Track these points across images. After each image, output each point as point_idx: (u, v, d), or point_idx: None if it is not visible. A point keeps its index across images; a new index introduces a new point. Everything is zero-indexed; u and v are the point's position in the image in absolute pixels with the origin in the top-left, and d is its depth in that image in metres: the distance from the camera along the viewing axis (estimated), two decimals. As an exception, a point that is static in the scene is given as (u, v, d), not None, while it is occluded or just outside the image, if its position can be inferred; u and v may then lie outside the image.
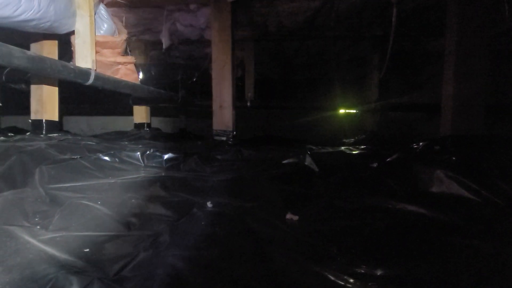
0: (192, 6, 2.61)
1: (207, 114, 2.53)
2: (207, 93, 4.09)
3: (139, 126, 4.12)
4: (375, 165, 1.69)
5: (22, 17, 1.30)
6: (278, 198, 1.21)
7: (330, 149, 2.01)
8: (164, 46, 2.88)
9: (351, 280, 0.63)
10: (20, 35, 1.69)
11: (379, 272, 0.66)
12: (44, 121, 2.00)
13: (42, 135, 1.95)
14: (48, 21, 1.49)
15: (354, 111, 4.78)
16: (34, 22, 1.42)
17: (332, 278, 0.64)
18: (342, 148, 2.28)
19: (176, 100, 3.44)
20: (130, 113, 4.20)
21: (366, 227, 0.94)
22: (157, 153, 1.86)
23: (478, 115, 1.94)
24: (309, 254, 0.76)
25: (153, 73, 3.44)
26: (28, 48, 1.83)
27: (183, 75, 3.76)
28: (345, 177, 1.63)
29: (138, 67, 2.89)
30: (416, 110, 3.33)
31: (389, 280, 0.64)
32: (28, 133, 2.05)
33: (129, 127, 4.18)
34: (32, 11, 1.32)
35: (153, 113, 4.68)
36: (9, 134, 2.36)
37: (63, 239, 0.79)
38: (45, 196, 1.11)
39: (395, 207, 1.08)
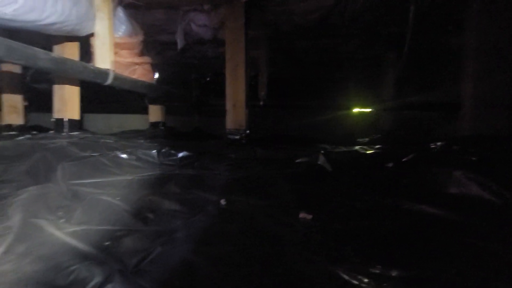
0: (206, 7, 2.64)
1: (221, 113, 2.56)
2: (221, 92, 4.14)
3: (154, 125, 4.22)
4: (390, 165, 1.66)
5: (47, 21, 1.37)
6: (291, 197, 1.21)
7: (344, 149, 1.99)
8: (179, 46, 2.93)
9: (366, 280, 0.62)
10: (43, 38, 1.77)
11: (394, 273, 0.66)
12: (66, 120, 2.09)
13: (64, 133, 2.04)
14: (70, 24, 1.55)
15: (369, 110, 4.70)
16: (57, 25, 1.49)
17: (347, 277, 0.64)
18: (356, 147, 2.25)
19: (190, 99, 3.50)
20: (145, 112, 4.30)
21: (381, 227, 0.93)
22: (172, 151, 1.90)
23: (501, 115, 1.86)
24: (323, 253, 0.76)
25: (168, 73, 3.51)
26: (51, 50, 1.92)
27: (197, 75, 3.82)
28: (359, 177, 1.61)
29: (153, 67, 2.96)
30: (434, 110, 3.23)
31: (405, 281, 0.63)
32: (51, 131, 2.15)
33: (145, 126, 4.29)
34: (55, 15, 1.39)
35: (168, 112, 4.78)
36: (33, 132, 2.48)
37: (84, 232, 0.83)
38: (67, 191, 1.16)
39: (411, 208, 1.06)
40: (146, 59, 2.45)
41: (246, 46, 2.36)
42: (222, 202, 1.15)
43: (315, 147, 1.92)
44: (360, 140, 3.12)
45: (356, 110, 5.01)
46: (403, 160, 1.61)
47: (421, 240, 0.84)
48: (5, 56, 1.14)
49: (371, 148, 2.09)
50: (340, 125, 5.44)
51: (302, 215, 1.05)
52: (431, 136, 2.72)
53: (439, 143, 1.84)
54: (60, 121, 2.09)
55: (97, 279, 0.58)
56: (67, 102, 2.09)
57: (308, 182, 1.38)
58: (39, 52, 1.32)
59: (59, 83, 2.10)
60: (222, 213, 1.03)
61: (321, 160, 1.76)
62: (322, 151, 1.79)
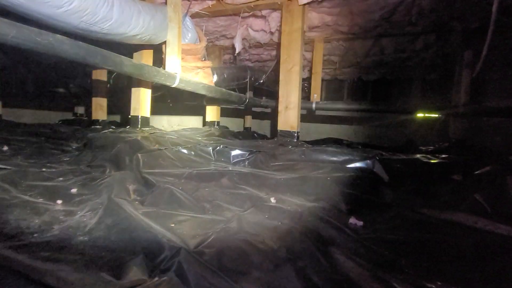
0: (263, 12, 2.74)
1: (271, 114, 2.62)
2: (272, 94, 4.21)
3: (209, 124, 4.51)
4: (459, 177, 1.50)
5: (132, 33, 1.61)
6: (342, 201, 1.19)
7: (403, 156, 1.85)
8: (237, 51, 3.09)
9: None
10: (124, 47, 2.07)
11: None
12: (139, 117, 2.40)
13: (137, 129, 2.35)
14: (148, 35, 1.80)
15: (436, 115, 4.22)
16: (138, 36, 1.73)
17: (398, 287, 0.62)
18: (418, 155, 2.06)
19: (244, 100, 3.65)
20: (200, 113, 4.63)
21: (442, 243, 0.86)
22: (226, 149, 2.03)
23: None
24: (375, 261, 0.74)
25: (225, 76, 3.73)
26: (131, 57, 2.24)
27: (251, 77, 3.97)
28: (419, 188, 1.48)
29: (212, 70, 3.18)
30: (520, 116, 2.73)
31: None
32: (127, 127, 2.50)
33: (200, 125, 4.62)
34: (138, 27, 1.63)
35: (222, 113, 5.06)
36: (112, 127, 2.91)
37: (154, 213, 0.96)
38: (140, 178, 1.35)
39: (482, 227, 0.95)
40: (207, 63, 2.65)
41: (301, 49, 2.37)
42: (272, 200, 1.20)
43: (370, 152, 1.82)
44: (424, 148, 2.84)
45: (420, 115, 4.56)
46: (476, 172, 1.43)
47: (491, 263, 0.75)
48: (101, 63, 1.38)
49: (436, 157, 1.89)
50: (400, 131, 5.02)
51: (352, 220, 1.03)
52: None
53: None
54: (135, 118, 2.41)
55: (166, 253, 0.68)
56: (141, 102, 2.41)
57: (360, 188, 1.33)
58: (125, 59, 1.56)
59: (135, 86, 2.43)
60: (271, 210, 1.07)
61: (376, 167, 1.67)
62: (377, 157, 1.69)
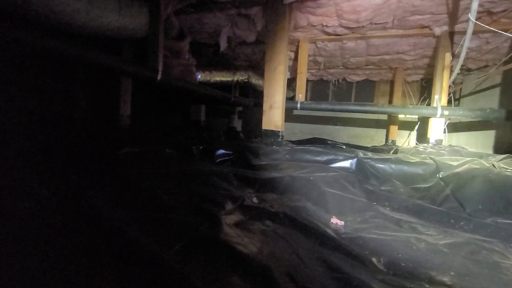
0: (250, 10, 2.71)
1: (257, 114, 2.60)
2: (258, 94, 4.20)
3: (194, 123, 4.44)
4: (440, 175, 1.53)
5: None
6: (324, 201, 1.19)
7: (385, 156, 1.88)
8: (221, 49, 3.04)
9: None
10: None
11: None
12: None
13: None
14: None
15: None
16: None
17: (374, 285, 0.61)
18: (399, 155, 2.11)
19: (229, 99, 3.61)
20: (186, 111, 4.54)
21: (420, 242, 0.87)
22: (209, 149, 1.99)
23: None
24: (350, 263, 0.74)
25: (209, 74, 3.68)
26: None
27: (237, 76, 3.94)
28: (400, 187, 1.51)
29: (196, 68, 3.12)
30: None
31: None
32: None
33: (185, 124, 4.53)
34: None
35: (207, 112, 5.00)
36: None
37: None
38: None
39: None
40: (191, 60, 2.59)
41: (286, 48, 2.37)
42: (254, 200, 1.17)
43: (353, 152, 1.84)
44: (400, 147, 2.93)
45: (402, 116, 4.69)
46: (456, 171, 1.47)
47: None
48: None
49: (417, 157, 1.94)
50: (382, 133, 5.15)
51: (334, 220, 1.03)
52: None
53: None
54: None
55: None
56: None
57: (343, 187, 1.34)
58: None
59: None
60: (253, 210, 1.05)
61: (359, 166, 1.69)
62: (360, 157, 1.71)
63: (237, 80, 3.97)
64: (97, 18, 1.38)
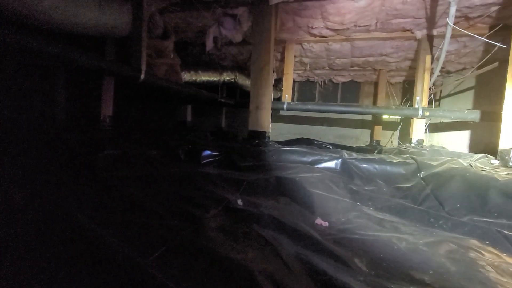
0: (235, 10, 2.70)
1: (244, 115, 2.59)
2: (246, 94, 4.18)
3: (180, 123, 4.37)
4: (421, 174, 1.57)
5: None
6: (310, 202, 1.19)
7: (369, 156, 1.92)
8: (207, 49, 3.01)
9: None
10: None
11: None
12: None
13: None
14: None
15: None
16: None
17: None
18: (383, 155, 2.16)
19: (215, 100, 3.58)
20: (173, 111, 4.46)
21: (401, 242, 0.88)
22: (195, 150, 1.96)
23: None
24: (333, 264, 0.74)
25: (196, 74, 3.63)
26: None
27: (224, 76, 3.91)
28: (383, 187, 1.54)
29: (182, 68, 3.08)
30: None
31: None
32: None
33: (171, 125, 4.45)
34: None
35: (194, 112, 4.94)
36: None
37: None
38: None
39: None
40: (176, 60, 2.55)
41: (272, 49, 2.37)
42: (239, 202, 1.16)
43: (338, 153, 1.86)
44: (384, 147, 3.00)
45: (386, 117, 4.82)
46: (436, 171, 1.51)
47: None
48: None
49: (399, 157, 1.99)
50: (367, 133, 5.27)
51: (318, 221, 1.03)
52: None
53: None
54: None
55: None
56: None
57: (328, 188, 1.35)
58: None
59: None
60: (238, 212, 1.04)
61: (343, 166, 1.72)
62: (345, 158, 1.74)
63: (224, 81, 3.95)
64: (75, 15, 1.32)
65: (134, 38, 1.98)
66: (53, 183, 1.16)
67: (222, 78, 3.89)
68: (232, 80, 3.95)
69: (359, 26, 2.80)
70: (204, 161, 1.92)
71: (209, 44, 2.96)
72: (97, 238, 0.76)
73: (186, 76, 3.42)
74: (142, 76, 1.95)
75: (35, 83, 2.89)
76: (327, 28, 2.90)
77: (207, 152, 1.94)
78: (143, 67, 2.01)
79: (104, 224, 0.85)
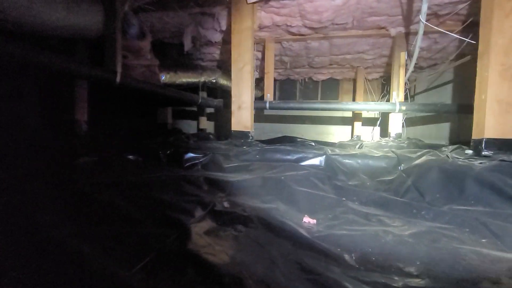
0: (213, 9, 2.66)
1: (227, 115, 2.56)
2: (227, 95, 4.14)
3: (161, 126, 4.26)
4: (401, 167, 1.62)
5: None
6: (296, 200, 1.19)
7: (352, 152, 1.95)
8: (185, 49, 2.95)
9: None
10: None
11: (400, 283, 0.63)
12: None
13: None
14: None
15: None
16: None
17: (351, 287, 0.61)
18: (364, 150, 2.21)
19: (196, 101, 3.52)
20: (152, 114, 4.34)
21: (387, 235, 0.90)
22: (178, 153, 1.91)
23: None
24: (326, 259, 0.74)
25: (175, 75, 3.54)
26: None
27: (204, 77, 3.85)
28: (366, 181, 1.57)
29: (160, 69, 2.99)
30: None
31: None
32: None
33: (151, 127, 4.33)
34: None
35: (175, 114, 4.83)
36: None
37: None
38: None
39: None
40: (154, 61, 2.47)
41: (252, 48, 2.35)
42: (225, 204, 1.14)
43: (322, 150, 1.88)
44: (365, 142, 3.08)
45: (365, 113, 4.95)
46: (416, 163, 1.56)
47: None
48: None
49: (381, 151, 2.04)
50: (348, 129, 5.39)
51: (306, 219, 1.03)
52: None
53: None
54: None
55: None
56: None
57: (313, 185, 1.35)
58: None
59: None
60: (225, 215, 1.01)
61: (328, 163, 1.73)
62: (329, 154, 1.76)
63: (205, 81, 3.88)
64: (40, 15, 1.23)
65: (108, 39, 1.88)
66: (25, 193, 1.08)
67: (202, 79, 3.82)
68: (213, 81, 3.89)
69: (337, 24, 2.84)
70: (187, 164, 1.87)
71: (188, 44, 2.90)
72: (74, 251, 0.71)
73: (165, 78, 3.32)
74: (118, 79, 1.87)
75: (2, 88, 2.69)
76: (306, 27, 2.93)
77: (190, 155, 1.90)
78: (119, 69, 1.93)
79: (81, 235, 0.79)
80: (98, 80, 1.78)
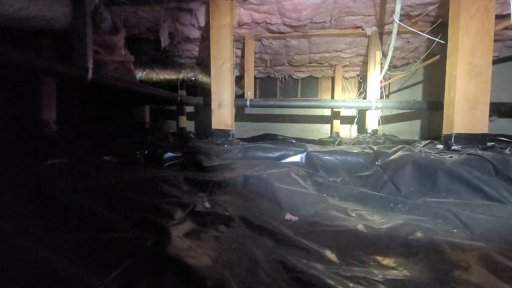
0: (191, 5, 2.59)
1: (207, 113, 2.51)
2: (208, 92, 4.07)
3: (139, 125, 4.11)
4: (378, 162, 1.67)
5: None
6: (278, 198, 1.19)
7: (331, 148, 1.99)
8: (162, 45, 2.85)
9: (351, 285, 0.61)
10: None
11: (380, 276, 0.64)
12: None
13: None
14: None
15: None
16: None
17: (333, 283, 0.61)
18: (343, 146, 2.26)
19: (175, 99, 3.43)
20: (129, 113, 4.17)
21: (367, 229, 0.92)
22: (157, 153, 1.85)
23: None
24: (308, 256, 0.74)
25: (151, 73, 3.42)
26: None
27: (183, 74, 3.75)
28: (346, 176, 1.61)
29: (136, 66, 2.87)
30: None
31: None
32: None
33: (129, 127, 4.16)
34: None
35: (153, 113, 4.67)
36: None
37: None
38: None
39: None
40: (129, 57, 2.37)
41: (232, 45, 2.32)
42: (207, 204, 1.11)
43: (302, 147, 1.90)
44: (343, 139, 3.16)
45: (344, 111, 5.08)
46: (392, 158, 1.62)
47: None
48: None
49: (358, 147, 2.10)
50: (327, 126, 5.51)
51: (288, 216, 1.03)
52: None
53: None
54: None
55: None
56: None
57: (294, 182, 1.36)
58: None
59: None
60: (206, 215, 0.99)
61: (308, 160, 1.76)
62: (309, 151, 1.78)
63: (184, 79, 3.79)
64: (-2, 5, 1.12)
65: (77, 32, 1.77)
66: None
67: (181, 76, 3.72)
68: (193, 78, 3.81)
69: (315, 22, 2.88)
70: (167, 164, 1.82)
71: (165, 40, 2.81)
72: (43, 260, 0.66)
73: (141, 75, 3.20)
74: (90, 75, 1.76)
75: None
76: (285, 25, 2.94)
77: (169, 154, 1.85)
78: (90, 65, 1.82)
79: (51, 243, 0.74)
80: (67, 77, 1.67)
